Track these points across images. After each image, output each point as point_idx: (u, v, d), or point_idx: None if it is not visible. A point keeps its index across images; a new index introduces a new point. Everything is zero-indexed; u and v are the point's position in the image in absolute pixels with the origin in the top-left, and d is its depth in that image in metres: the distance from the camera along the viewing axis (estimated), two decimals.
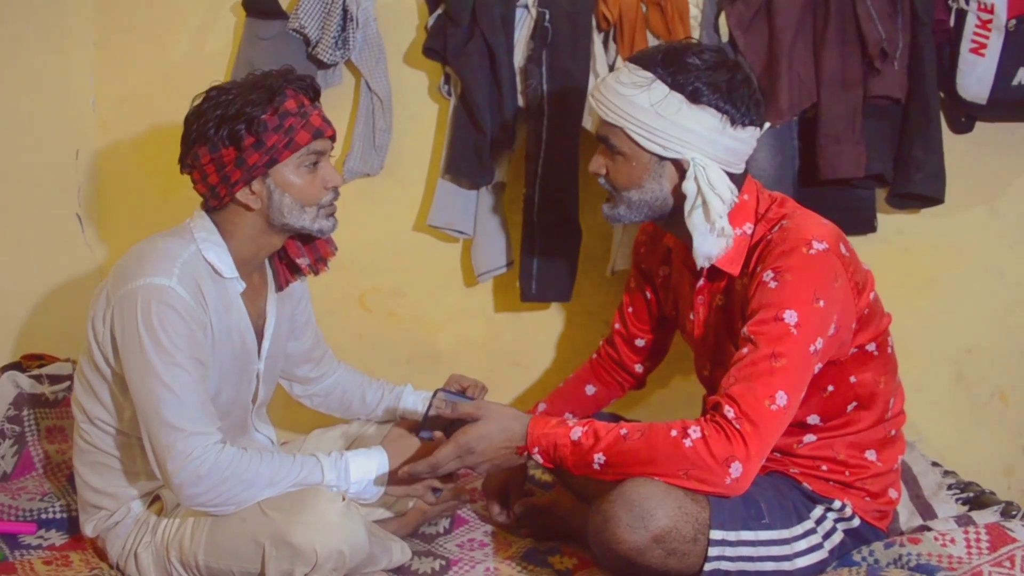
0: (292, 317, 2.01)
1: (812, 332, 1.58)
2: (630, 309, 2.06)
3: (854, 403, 1.75)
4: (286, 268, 1.91)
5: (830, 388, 1.72)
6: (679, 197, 1.71)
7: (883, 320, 1.77)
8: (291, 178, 1.74)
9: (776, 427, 1.57)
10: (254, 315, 1.85)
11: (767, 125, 1.74)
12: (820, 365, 1.65)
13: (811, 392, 1.66)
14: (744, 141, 1.70)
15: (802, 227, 1.66)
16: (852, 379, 1.73)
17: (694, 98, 1.65)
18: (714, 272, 1.76)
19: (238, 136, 1.68)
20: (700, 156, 1.67)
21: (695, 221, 1.68)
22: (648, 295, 2.02)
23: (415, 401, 2.14)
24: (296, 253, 1.88)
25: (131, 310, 1.65)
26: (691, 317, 1.84)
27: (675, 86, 1.65)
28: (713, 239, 1.68)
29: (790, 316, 1.58)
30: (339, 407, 2.17)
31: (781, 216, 1.71)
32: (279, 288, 1.91)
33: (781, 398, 1.55)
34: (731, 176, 1.70)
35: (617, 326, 2.09)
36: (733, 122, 1.66)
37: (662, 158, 1.69)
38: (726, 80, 1.65)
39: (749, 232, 1.72)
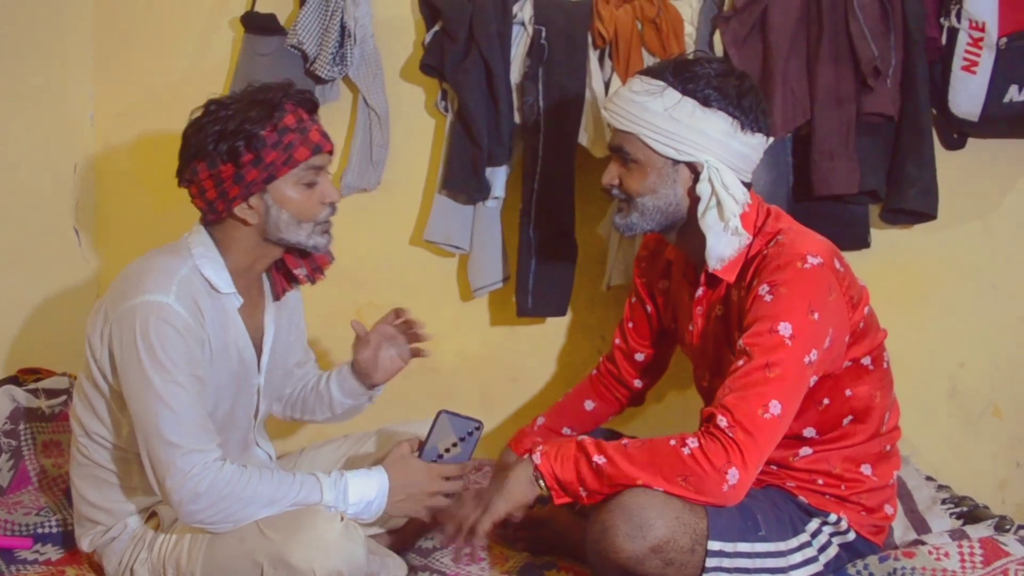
0: (289, 328, 2.01)
1: (806, 343, 1.60)
2: (630, 324, 2.07)
3: (849, 417, 1.76)
4: (283, 278, 1.91)
5: (826, 401, 1.73)
6: (692, 202, 1.73)
7: (878, 335, 1.78)
8: (289, 194, 1.74)
9: (771, 436, 1.58)
10: (252, 329, 1.85)
11: (771, 140, 1.77)
12: (815, 378, 1.66)
13: (807, 405, 1.67)
14: (753, 148, 1.73)
15: (797, 242, 1.68)
16: (847, 392, 1.74)
17: (705, 103, 1.68)
18: (712, 281, 1.78)
19: (237, 152, 1.68)
20: (713, 159, 1.69)
21: (709, 221, 1.70)
22: (649, 309, 2.03)
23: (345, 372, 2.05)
24: (294, 264, 1.88)
25: (129, 328, 1.65)
26: (690, 328, 1.85)
27: (687, 92, 1.68)
28: (727, 238, 1.70)
29: (784, 328, 1.60)
30: (299, 398, 2.09)
31: (777, 231, 1.73)
32: (276, 297, 1.91)
33: (775, 407, 1.56)
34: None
35: (617, 341, 2.10)
36: (743, 127, 1.69)
37: (676, 162, 1.72)
38: (735, 87, 1.69)
39: (748, 243, 1.74)
